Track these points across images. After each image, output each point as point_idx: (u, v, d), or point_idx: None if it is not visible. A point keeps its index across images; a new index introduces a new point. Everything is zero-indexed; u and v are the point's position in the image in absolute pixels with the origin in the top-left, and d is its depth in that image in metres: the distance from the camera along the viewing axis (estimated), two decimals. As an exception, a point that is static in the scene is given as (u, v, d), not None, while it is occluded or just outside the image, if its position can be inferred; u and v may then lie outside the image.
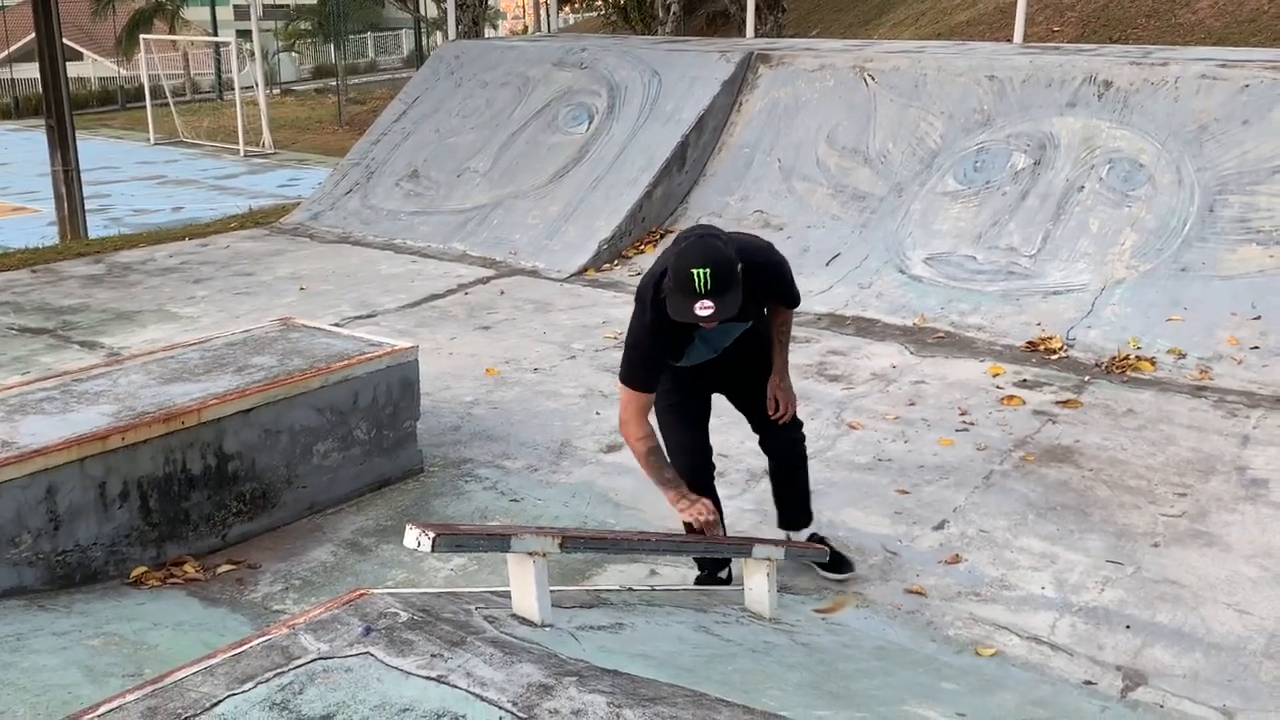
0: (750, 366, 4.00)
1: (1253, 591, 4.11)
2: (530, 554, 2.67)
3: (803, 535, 4.29)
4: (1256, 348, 6.31)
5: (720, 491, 4.89)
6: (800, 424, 4.18)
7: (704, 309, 3.37)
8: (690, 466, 3.92)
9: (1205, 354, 6.37)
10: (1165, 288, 6.87)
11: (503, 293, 8.32)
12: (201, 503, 4.41)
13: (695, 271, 3.34)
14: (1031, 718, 3.31)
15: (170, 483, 4.30)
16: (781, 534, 4.28)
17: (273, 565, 4.39)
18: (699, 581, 4.20)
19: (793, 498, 4.26)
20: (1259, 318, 6.47)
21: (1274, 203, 6.94)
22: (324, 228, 10.44)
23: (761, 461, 5.09)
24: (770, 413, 4.01)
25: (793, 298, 3.95)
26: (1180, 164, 7.41)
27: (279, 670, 2.34)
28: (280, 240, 10.24)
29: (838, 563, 4.26)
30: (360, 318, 7.67)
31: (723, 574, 4.20)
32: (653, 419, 3.85)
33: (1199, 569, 4.27)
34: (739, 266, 3.44)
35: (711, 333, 3.69)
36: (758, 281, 3.67)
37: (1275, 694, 3.54)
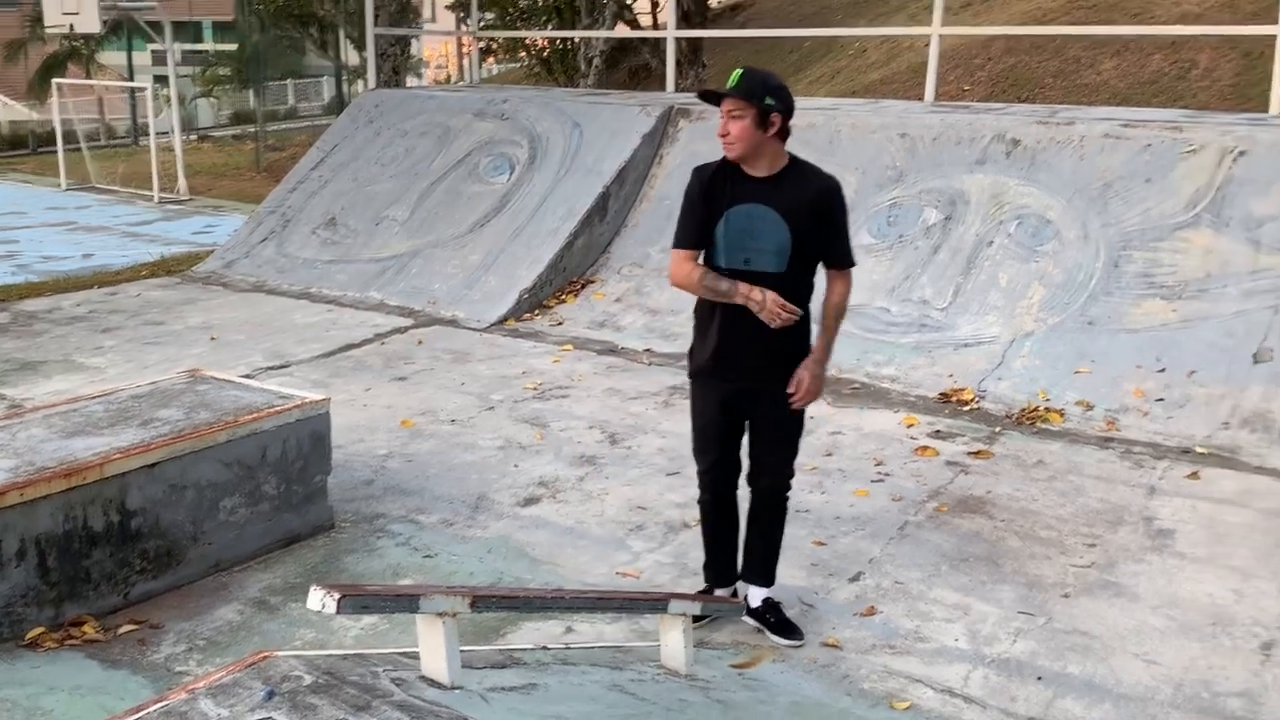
0: (781, 376, 3.95)
1: (1160, 642, 4.18)
2: (439, 614, 2.63)
3: (758, 597, 4.24)
4: (1161, 400, 6.47)
5: (637, 545, 4.90)
6: (790, 473, 4.18)
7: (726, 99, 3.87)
8: (712, 466, 4.11)
9: (1112, 406, 6.52)
10: (1073, 340, 7.03)
11: (421, 342, 8.25)
12: (103, 560, 4.27)
13: (734, 72, 3.92)
14: (945, 772, 3.31)
15: (70, 540, 4.16)
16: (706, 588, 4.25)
17: (176, 625, 4.26)
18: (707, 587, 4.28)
19: (760, 549, 4.24)
20: (1163, 370, 6.64)
21: (1175, 259, 7.16)
22: (238, 276, 10.28)
23: (680, 514, 5.10)
24: (789, 389, 3.94)
25: (845, 252, 3.99)
26: (1086, 220, 7.61)
27: (175, 739, 2.27)
28: (192, 289, 10.06)
29: (788, 629, 4.21)
30: (273, 368, 7.54)
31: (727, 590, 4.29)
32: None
33: (1108, 619, 4.34)
34: (770, 101, 3.85)
35: (746, 219, 3.91)
36: (811, 192, 3.89)
37: (1182, 743, 3.59)
